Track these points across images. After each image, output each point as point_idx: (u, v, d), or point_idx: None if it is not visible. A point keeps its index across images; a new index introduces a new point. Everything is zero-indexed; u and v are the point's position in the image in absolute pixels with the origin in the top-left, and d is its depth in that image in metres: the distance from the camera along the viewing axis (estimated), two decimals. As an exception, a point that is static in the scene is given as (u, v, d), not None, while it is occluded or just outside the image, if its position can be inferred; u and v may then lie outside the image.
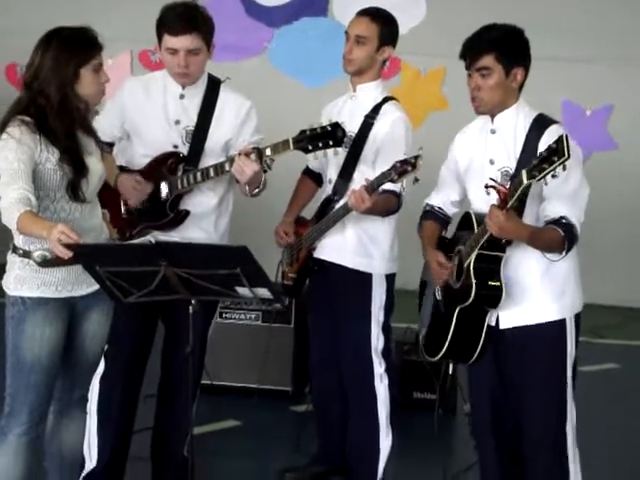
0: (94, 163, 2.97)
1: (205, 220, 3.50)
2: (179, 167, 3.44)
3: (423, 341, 3.23)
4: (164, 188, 3.45)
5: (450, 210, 3.26)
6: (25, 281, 2.88)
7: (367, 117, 3.60)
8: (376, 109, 3.61)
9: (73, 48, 2.86)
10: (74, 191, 2.87)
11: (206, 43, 3.37)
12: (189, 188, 3.44)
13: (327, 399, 3.84)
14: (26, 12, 6.90)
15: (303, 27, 6.99)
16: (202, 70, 3.45)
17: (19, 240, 2.87)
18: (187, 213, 3.46)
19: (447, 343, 3.04)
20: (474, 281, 2.93)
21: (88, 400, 3.24)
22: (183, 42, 3.32)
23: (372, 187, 3.36)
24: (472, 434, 3.28)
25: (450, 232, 3.26)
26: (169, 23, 3.34)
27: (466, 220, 3.05)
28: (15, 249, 2.89)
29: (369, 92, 3.64)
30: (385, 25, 3.62)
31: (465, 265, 2.98)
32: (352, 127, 3.59)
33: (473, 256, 2.94)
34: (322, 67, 6.87)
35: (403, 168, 3.27)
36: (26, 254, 2.85)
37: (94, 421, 3.46)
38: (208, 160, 3.45)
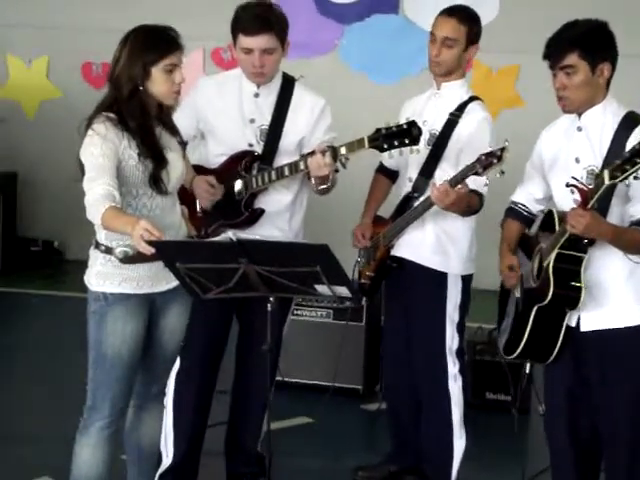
0: (175, 159, 3.00)
1: (279, 218, 3.52)
2: (254, 166, 3.46)
3: (501, 338, 3.20)
4: (239, 187, 3.47)
5: (534, 207, 3.19)
6: (107, 277, 2.92)
7: (452, 115, 3.56)
8: (461, 107, 3.56)
9: (146, 46, 2.89)
10: (156, 183, 2.90)
11: (280, 42, 3.38)
12: (264, 187, 3.45)
13: (400, 397, 3.82)
14: (101, 11, 7.02)
15: (374, 24, 6.97)
16: (276, 69, 3.46)
17: (102, 236, 2.91)
18: (262, 212, 3.48)
19: (523, 342, 3.01)
20: (552, 281, 2.89)
21: (165, 395, 3.28)
22: (258, 42, 3.33)
23: (456, 180, 3.31)
24: (545, 432, 3.24)
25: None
26: (244, 23, 3.35)
27: (549, 218, 3.01)
28: (97, 245, 2.93)
29: (454, 90, 3.60)
30: (472, 25, 3.58)
31: (545, 264, 2.95)
32: (436, 125, 3.56)
33: (553, 255, 2.90)
34: (392, 64, 6.86)
35: (488, 161, 3.22)
36: (108, 250, 2.88)
37: (170, 416, 3.50)
38: (282, 158, 3.46)
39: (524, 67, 6.62)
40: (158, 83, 2.89)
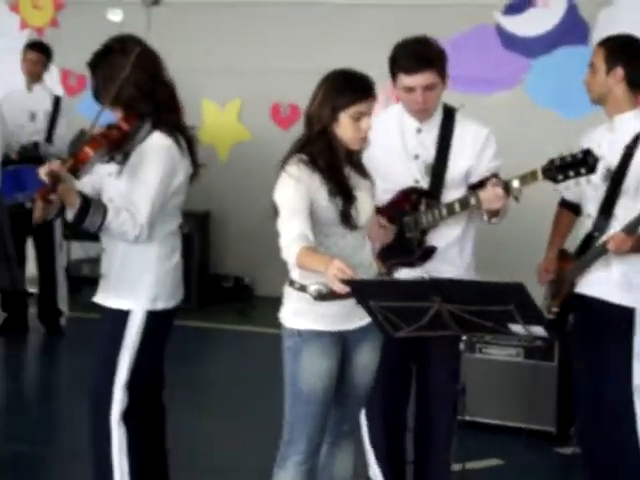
0: (364, 198, 3.05)
1: (450, 252, 3.47)
2: (421, 202, 3.44)
3: None
4: (409, 225, 3.45)
5: None
6: (301, 314, 2.98)
7: (627, 148, 3.45)
8: (637, 139, 3.45)
9: (338, 91, 2.96)
10: (346, 219, 2.95)
11: (441, 77, 3.36)
12: (434, 224, 3.43)
13: (594, 441, 3.67)
14: (289, 53, 7.24)
15: (561, 57, 6.83)
16: (438, 103, 3.44)
17: (296, 274, 2.98)
18: (434, 249, 3.44)
19: None
20: None
21: (357, 432, 3.30)
22: (419, 80, 3.32)
23: (630, 227, 3.22)
24: None
25: None
26: (403, 62, 3.34)
27: None
28: (292, 283, 3.00)
29: (628, 122, 3.49)
30: (611, 47, 3.49)
31: None
32: (612, 159, 3.45)
33: None
34: (580, 98, 6.66)
35: None
36: (302, 288, 2.94)
37: (371, 453, 3.55)
38: (449, 192, 3.43)
39: None
40: (344, 128, 2.96)
